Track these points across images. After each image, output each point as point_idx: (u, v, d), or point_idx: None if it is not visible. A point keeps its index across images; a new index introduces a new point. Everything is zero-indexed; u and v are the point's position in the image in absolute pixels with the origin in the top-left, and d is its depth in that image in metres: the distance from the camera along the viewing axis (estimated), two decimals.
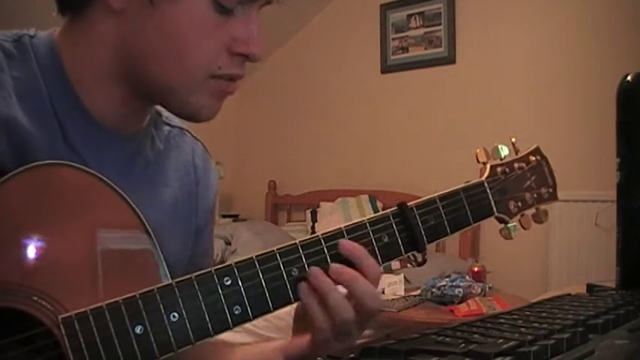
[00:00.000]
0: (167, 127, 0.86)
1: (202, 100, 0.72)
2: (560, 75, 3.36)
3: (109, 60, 0.72)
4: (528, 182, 0.88)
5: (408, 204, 0.76)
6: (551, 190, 0.91)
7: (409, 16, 3.92)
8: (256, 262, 0.65)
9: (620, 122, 0.89)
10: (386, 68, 4.01)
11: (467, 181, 0.85)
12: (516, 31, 3.53)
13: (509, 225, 0.86)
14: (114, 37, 0.71)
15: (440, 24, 3.79)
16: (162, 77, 0.70)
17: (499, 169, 0.86)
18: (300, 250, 0.68)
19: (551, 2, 3.42)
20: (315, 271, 0.67)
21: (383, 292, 2.88)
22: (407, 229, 0.74)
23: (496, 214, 0.84)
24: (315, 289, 0.67)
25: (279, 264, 0.66)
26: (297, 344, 0.75)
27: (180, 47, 0.69)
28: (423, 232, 0.76)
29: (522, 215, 0.87)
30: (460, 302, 2.62)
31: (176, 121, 0.87)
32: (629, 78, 0.89)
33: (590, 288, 0.89)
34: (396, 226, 0.74)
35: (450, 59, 3.75)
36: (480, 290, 2.71)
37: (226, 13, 0.69)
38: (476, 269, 2.92)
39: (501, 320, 0.65)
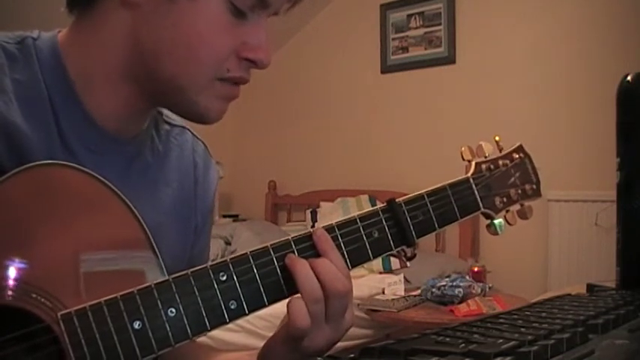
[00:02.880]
0: (167, 126, 0.85)
1: (209, 102, 0.73)
2: (560, 75, 3.37)
3: (119, 57, 0.71)
4: (512, 179, 0.91)
5: (397, 200, 0.77)
6: (534, 186, 0.93)
7: (409, 16, 3.93)
8: (250, 258, 0.66)
9: (620, 122, 0.89)
10: (386, 68, 4.02)
11: None
12: (516, 31, 3.53)
13: (495, 221, 0.88)
14: (126, 33, 0.70)
15: (440, 24, 3.79)
16: (173, 74, 0.70)
17: (484, 166, 0.88)
18: (293, 246, 0.69)
19: (552, 2, 3.42)
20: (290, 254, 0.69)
21: (383, 292, 2.89)
22: (396, 225, 0.76)
23: (482, 209, 0.86)
24: (287, 267, 0.68)
25: (272, 259, 0.67)
26: (270, 341, 0.73)
27: (194, 45, 0.69)
28: (412, 227, 0.77)
29: (507, 211, 0.89)
30: (460, 302, 2.62)
31: (177, 119, 0.87)
32: (629, 78, 0.89)
33: (590, 288, 0.89)
34: (386, 221, 0.75)
35: (450, 59, 3.75)
36: (480, 290, 2.71)
37: (240, 17, 0.70)
38: (476, 269, 2.93)
39: (501, 320, 0.65)
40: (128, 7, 0.69)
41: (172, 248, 0.80)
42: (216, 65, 0.70)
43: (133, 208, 0.65)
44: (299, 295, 0.66)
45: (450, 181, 0.84)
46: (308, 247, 0.69)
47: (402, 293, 2.84)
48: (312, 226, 3.59)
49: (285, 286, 0.67)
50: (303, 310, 0.65)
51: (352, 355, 0.53)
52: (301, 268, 0.67)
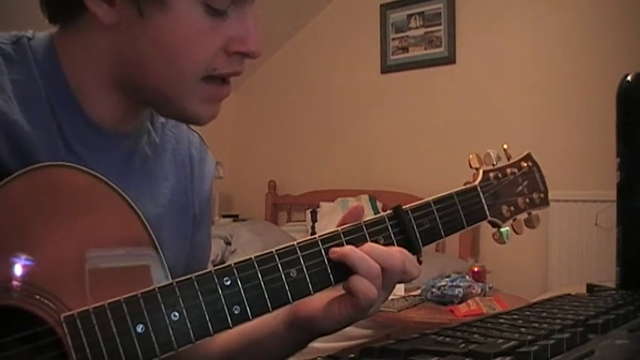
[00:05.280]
0: (162, 119, 0.86)
1: (197, 107, 0.73)
2: (560, 75, 3.37)
3: (106, 68, 0.72)
4: (520, 187, 0.90)
5: (404, 207, 0.77)
6: (542, 195, 0.92)
7: (409, 16, 3.93)
8: (255, 264, 0.65)
9: (620, 122, 0.89)
10: (386, 68, 4.02)
11: (465, 183, 0.86)
12: (516, 31, 3.53)
13: (502, 229, 0.87)
14: (108, 49, 0.71)
15: (440, 24, 3.79)
16: (158, 86, 0.71)
17: (492, 174, 0.87)
18: (299, 252, 0.68)
19: (552, 2, 3.42)
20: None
21: None
22: (402, 232, 0.76)
23: (489, 217, 0.86)
24: (336, 258, 0.70)
25: (277, 265, 0.67)
26: (313, 302, 0.74)
27: (175, 57, 0.69)
28: (418, 235, 0.77)
29: (515, 220, 0.89)
30: (460, 302, 2.62)
31: None
32: (629, 78, 0.89)
33: (590, 288, 0.90)
34: (392, 228, 0.75)
35: (450, 59, 3.75)
36: (480, 290, 2.71)
37: (220, 16, 0.69)
38: (476, 269, 2.93)
39: (501, 320, 0.66)
40: (106, 26, 0.69)
41: (172, 240, 0.81)
42: (201, 70, 0.70)
43: (135, 207, 0.65)
44: (356, 275, 0.69)
45: (457, 189, 0.83)
46: (313, 255, 0.69)
47: (402, 293, 2.84)
48: (312, 226, 3.55)
49: (290, 292, 0.67)
50: (370, 286, 0.69)
51: (352, 355, 0.53)
52: (352, 252, 0.69)
